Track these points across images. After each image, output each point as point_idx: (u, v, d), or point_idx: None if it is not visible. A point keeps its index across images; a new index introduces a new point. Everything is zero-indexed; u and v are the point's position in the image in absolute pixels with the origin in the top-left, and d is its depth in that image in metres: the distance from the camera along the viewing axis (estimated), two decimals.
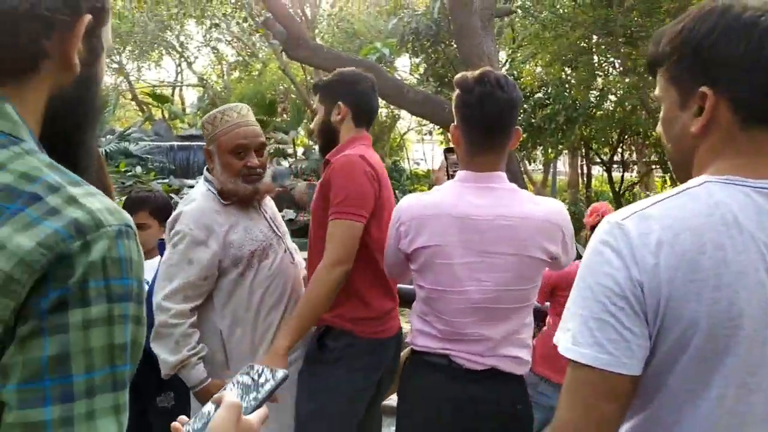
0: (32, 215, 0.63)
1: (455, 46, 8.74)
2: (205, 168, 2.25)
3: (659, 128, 1.07)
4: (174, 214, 2.18)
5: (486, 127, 1.77)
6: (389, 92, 6.93)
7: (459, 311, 1.77)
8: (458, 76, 1.83)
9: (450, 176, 2.16)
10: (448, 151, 2.22)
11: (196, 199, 2.16)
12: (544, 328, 2.83)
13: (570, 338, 0.94)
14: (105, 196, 0.70)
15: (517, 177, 6.57)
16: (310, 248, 2.22)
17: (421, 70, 12.81)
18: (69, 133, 0.80)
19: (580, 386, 0.94)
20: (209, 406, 0.85)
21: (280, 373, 0.93)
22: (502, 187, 1.79)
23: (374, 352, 2.17)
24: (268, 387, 0.90)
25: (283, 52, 7.76)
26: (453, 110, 1.84)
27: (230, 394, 0.85)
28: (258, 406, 0.86)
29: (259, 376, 0.93)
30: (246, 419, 0.81)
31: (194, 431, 0.81)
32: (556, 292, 2.71)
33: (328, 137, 2.27)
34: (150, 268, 2.35)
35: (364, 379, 2.16)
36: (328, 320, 2.14)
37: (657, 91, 1.06)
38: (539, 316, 2.71)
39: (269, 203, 2.34)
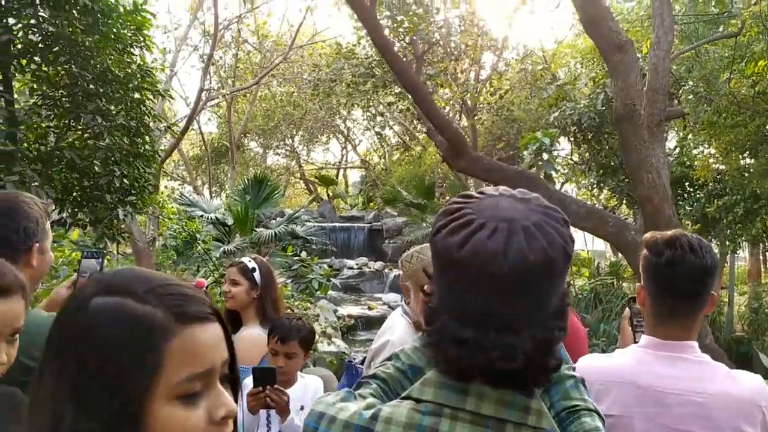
0: None
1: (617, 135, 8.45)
2: (402, 300, 2.43)
3: None
4: (378, 344, 2.32)
5: (675, 295, 1.66)
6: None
7: None
8: (648, 236, 1.74)
9: (634, 327, 2.06)
10: (632, 300, 2.12)
11: (397, 329, 2.31)
12: None
13: None
14: None
15: None
16: None
17: (582, 153, 12.51)
18: None
19: None
20: None
21: None
22: (692, 359, 1.66)
23: None
24: None
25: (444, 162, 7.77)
26: (640, 269, 1.75)
27: None
28: None
29: None
30: None
31: None
32: None
33: None
34: (295, 393, 2.37)
35: None
36: None
37: None
38: None
39: None
